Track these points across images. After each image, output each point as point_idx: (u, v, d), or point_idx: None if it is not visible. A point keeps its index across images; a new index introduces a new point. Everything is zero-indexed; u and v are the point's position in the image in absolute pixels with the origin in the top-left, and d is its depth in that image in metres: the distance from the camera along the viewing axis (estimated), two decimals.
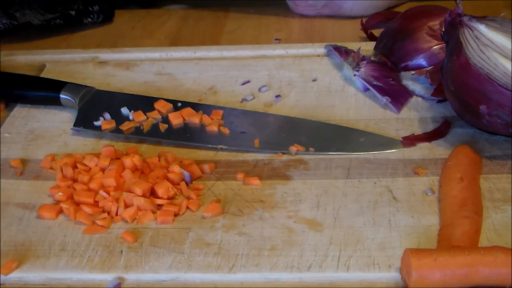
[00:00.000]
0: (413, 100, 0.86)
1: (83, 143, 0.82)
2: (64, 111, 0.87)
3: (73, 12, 1.07)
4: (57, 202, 0.72)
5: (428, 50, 0.87)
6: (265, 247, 0.66)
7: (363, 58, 0.90)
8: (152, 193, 0.72)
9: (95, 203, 0.71)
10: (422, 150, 0.77)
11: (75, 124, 0.83)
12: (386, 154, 0.77)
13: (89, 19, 1.09)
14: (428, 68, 0.86)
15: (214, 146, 0.79)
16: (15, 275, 0.65)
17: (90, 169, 0.75)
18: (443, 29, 0.79)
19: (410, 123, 0.82)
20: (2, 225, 0.70)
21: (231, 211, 0.70)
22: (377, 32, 0.98)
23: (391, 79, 0.87)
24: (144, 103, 0.85)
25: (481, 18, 0.75)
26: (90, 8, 1.09)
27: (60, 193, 0.72)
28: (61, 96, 0.86)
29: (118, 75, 0.94)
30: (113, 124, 0.82)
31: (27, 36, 1.06)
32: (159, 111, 0.84)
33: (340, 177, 0.74)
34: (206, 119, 0.82)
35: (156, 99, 0.85)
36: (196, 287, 0.63)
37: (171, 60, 0.97)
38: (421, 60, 0.87)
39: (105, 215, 0.70)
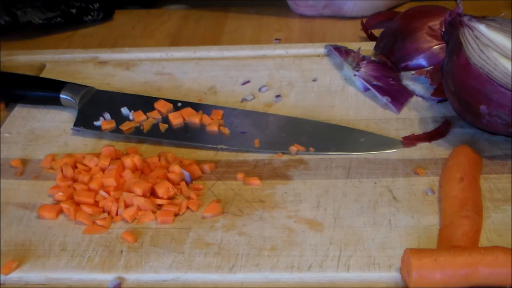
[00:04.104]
0: (413, 100, 0.86)
1: (83, 143, 0.82)
2: (64, 111, 0.87)
3: (74, 10, 1.08)
4: (57, 202, 0.72)
5: (428, 50, 0.87)
6: (265, 247, 0.66)
7: (363, 58, 0.90)
8: (152, 193, 0.72)
9: (95, 203, 0.71)
10: (422, 150, 0.77)
11: (75, 124, 0.83)
12: (386, 154, 0.77)
13: (89, 17, 1.10)
14: (428, 68, 0.86)
15: (214, 146, 0.79)
16: (15, 275, 0.65)
17: (90, 169, 0.75)
18: (443, 29, 0.79)
19: (410, 123, 0.82)
20: (2, 225, 0.70)
21: (231, 211, 0.70)
22: (377, 32, 0.98)
23: (391, 79, 0.87)
24: (144, 103, 0.85)
25: (481, 18, 0.75)
26: (91, 6, 1.09)
27: (60, 193, 0.72)
28: (61, 96, 0.86)
29: (118, 75, 0.94)
30: (113, 124, 0.82)
31: (27, 35, 1.06)
32: (159, 111, 0.84)
33: (340, 177, 0.74)
34: (206, 119, 0.82)
35: (156, 99, 0.85)
36: (197, 287, 0.63)
37: (171, 60, 0.97)
38: (421, 60, 0.87)
39: (105, 215, 0.70)
